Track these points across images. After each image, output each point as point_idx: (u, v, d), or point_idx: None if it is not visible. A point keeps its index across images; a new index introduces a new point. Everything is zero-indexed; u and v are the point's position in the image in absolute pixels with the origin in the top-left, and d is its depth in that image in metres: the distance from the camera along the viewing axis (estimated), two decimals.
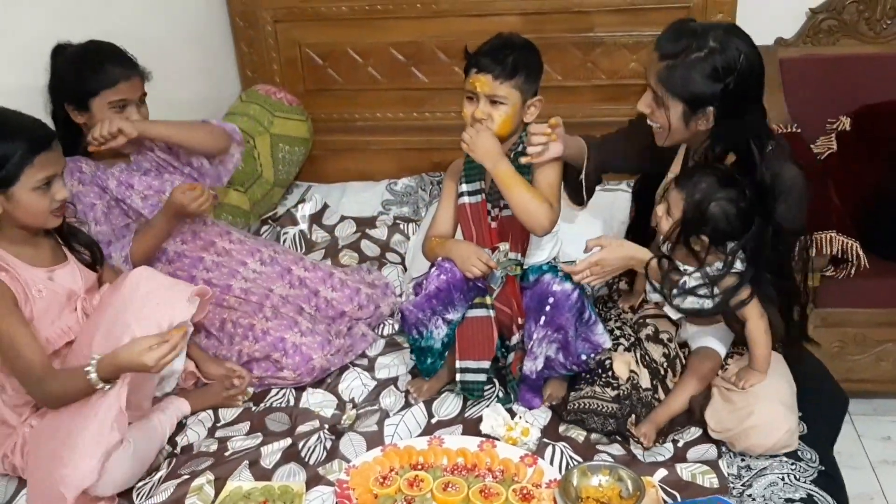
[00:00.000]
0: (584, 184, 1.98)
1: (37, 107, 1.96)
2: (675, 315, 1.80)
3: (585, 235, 1.85)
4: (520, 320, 1.88)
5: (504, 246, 1.90)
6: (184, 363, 1.90)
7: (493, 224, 1.91)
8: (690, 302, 1.71)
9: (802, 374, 1.82)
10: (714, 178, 1.69)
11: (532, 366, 1.85)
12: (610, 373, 1.80)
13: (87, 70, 1.94)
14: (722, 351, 1.82)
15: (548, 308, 1.81)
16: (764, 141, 1.70)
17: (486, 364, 1.89)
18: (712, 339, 1.82)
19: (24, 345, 1.63)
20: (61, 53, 2.00)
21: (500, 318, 1.91)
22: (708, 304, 1.69)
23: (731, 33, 1.67)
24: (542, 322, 1.82)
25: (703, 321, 1.81)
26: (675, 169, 1.87)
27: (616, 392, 1.77)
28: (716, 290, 1.69)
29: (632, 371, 1.80)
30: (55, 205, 1.67)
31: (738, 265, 1.69)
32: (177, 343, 1.60)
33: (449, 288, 1.85)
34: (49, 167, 1.64)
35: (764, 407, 1.66)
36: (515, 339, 1.90)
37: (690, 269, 1.71)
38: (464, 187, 1.94)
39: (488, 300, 1.90)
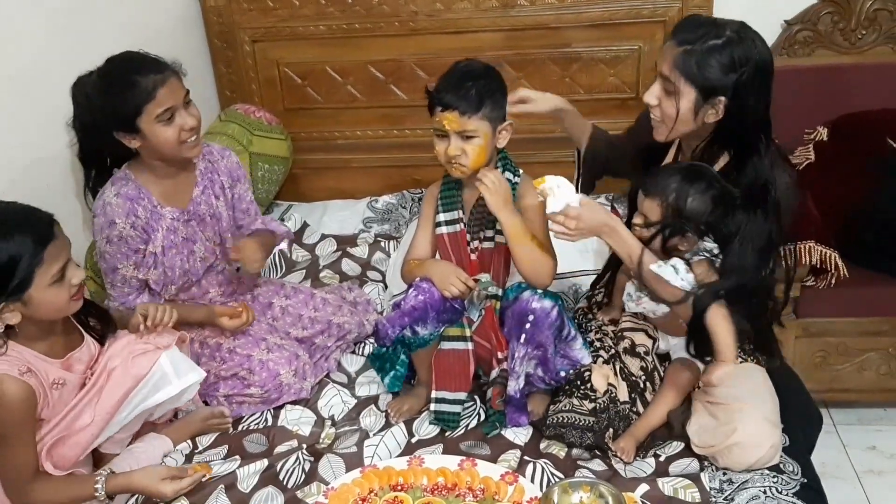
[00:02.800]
0: (579, 158, 2.03)
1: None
2: (657, 309, 1.79)
3: (569, 246, 1.84)
4: (500, 354, 1.86)
5: (485, 277, 1.89)
6: (183, 402, 1.88)
7: (473, 256, 1.90)
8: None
9: (781, 385, 1.82)
10: (679, 175, 1.70)
11: (515, 385, 1.83)
12: (588, 385, 1.80)
13: (118, 92, 1.80)
14: (700, 363, 1.81)
15: (527, 326, 1.79)
16: (767, 142, 1.71)
17: (463, 395, 1.87)
18: (689, 352, 1.81)
19: (19, 453, 1.59)
20: (83, 85, 1.86)
21: (479, 352, 1.89)
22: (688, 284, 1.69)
23: (746, 28, 1.68)
24: (522, 340, 1.80)
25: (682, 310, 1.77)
26: None
27: (593, 405, 1.77)
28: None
29: (610, 384, 1.80)
30: (73, 290, 1.59)
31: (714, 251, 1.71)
32: (197, 480, 1.69)
33: (425, 307, 1.84)
34: (60, 257, 1.55)
35: (748, 424, 1.65)
36: (494, 373, 1.87)
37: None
38: (441, 216, 1.92)
39: (468, 332, 1.88)
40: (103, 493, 1.63)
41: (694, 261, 1.72)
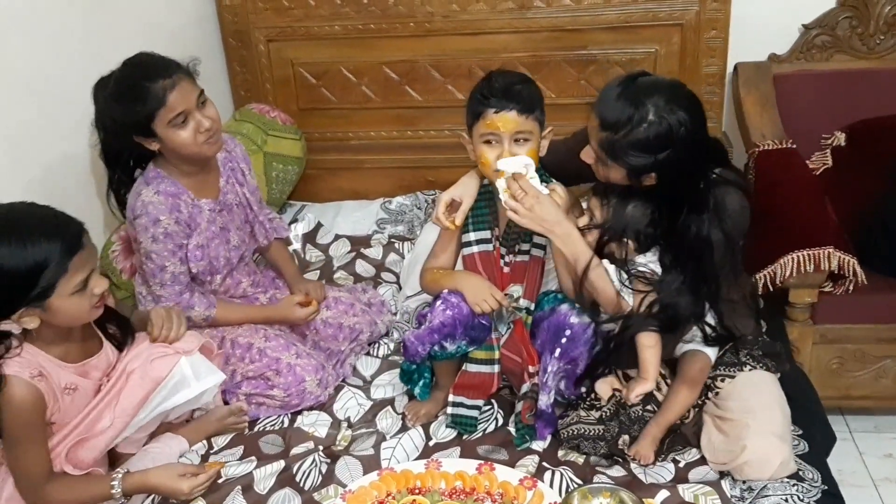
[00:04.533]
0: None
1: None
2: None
3: None
4: (531, 368, 1.82)
5: (516, 291, 1.86)
6: (202, 403, 1.87)
7: (507, 269, 1.87)
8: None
9: (796, 391, 1.81)
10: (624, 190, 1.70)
11: (547, 399, 1.79)
12: (592, 395, 1.79)
13: (131, 100, 1.81)
14: (711, 353, 1.78)
15: (564, 340, 1.76)
16: (703, 198, 1.67)
17: (481, 402, 1.86)
18: (698, 342, 1.78)
19: (30, 455, 1.58)
20: (102, 88, 1.87)
21: (508, 366, 1.86)
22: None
23: (672, 100, 1.60)
24: (556, 354, 1.77)
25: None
26: None
27: (599, 413, 1.76)
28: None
29: (615, 390, 1.79)
30: (94, 300, 1.57)
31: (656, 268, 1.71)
32: (213, 477, 1.69)
33: (454, 322, 1.80)
34: (85, 267, 1.53)
35: (756, 440, 1.65)
36: (525, 387, 1.83)
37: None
38: (471, 236, 1.87)
39: (496, 354, 1.85)
40: (119, 491, 1.62)
41: (634, 273, 1.71)
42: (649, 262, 1.72)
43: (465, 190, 1.87)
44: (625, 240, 1.71)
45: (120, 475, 1.63)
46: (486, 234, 1.86)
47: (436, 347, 1.83)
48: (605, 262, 1.73)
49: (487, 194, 1.88)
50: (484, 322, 1.84)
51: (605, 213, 1.72)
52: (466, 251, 1.88)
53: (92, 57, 1.93)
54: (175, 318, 1.78)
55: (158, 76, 1.81)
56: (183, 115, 1.83)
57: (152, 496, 1.70)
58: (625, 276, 1.72)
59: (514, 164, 1.74)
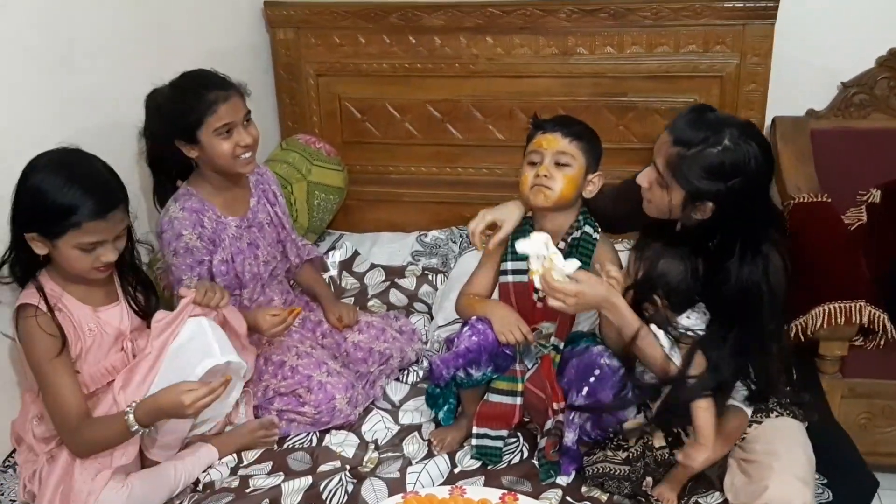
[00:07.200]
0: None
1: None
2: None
3: None
4: (555, 405, 1.83)
5: (548, 328, 1.88)
6: (228, 409, 1.92)
7: (540, 304, 1.89)
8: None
9: (826, 442, 1.81)
10: (665, 237, 1.71)
11: (572, 436, 1.80)
12: (620, 436, 1.79)
13: (185, 102, 1.93)
14: (749, 410, 1.80)
15: (592, 379, 1.77)
16: (756, 243, 1.67)
17: (504, 433, 1.87)
18: (739, 399, 1.80)
19: (65, 393, 1.65)
20: (156, 96, 2.01)
21: (531, 401, 1.87)
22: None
23: (747, 134, 1.63)
24: (584, 392, 1.78)
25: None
26: None
27: (626, 454, 1.76)
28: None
29: (644, 432, 1.79)
30: (98, 264, 1.67)
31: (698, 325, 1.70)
32: (215, 389, 1.65)
33: (479, 349, 1.84)
34: (98, 234, 1.64)
35: (778, 482, 1.64)
36: (549, 424, 1.84)
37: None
38: (509, 265, 1.92)
39: (519, 386, 1.87)
40: (132, 418, 1.62)
41: (682, 339, 1.71)
42: (695, 323, 1.72)
43: (507, 215, 1.91)
44: (657, 298, 1.70)
45: (133, 405, 1.64)
46: (523, 266, 1.89)
47: (461, 374, 1.86)
48: (654, 327, 1.71)
49: (528, 226, 1.91)
50: (508, 352, 1.87)
51: (636, 268, 1.72)
52: (503, 280, 1.93)
53: (148, 77, 2.05)
54: (218, 291, 1.85)
55: (214, 87, 1.94)
56: (228, 127, 1.94)
57: (198, 481, 1.78)
58: (671, 339, 1.70)
59: (533, 245, 1.70)
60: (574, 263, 1.69)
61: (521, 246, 1.73)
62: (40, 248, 1.65)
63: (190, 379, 1.68)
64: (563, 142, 1.80)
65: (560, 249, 1.85)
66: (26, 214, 1.65)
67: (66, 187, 1.60)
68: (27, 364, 1.69)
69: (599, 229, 1.91)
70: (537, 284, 1.70)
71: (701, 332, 1.70)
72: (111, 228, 1.66)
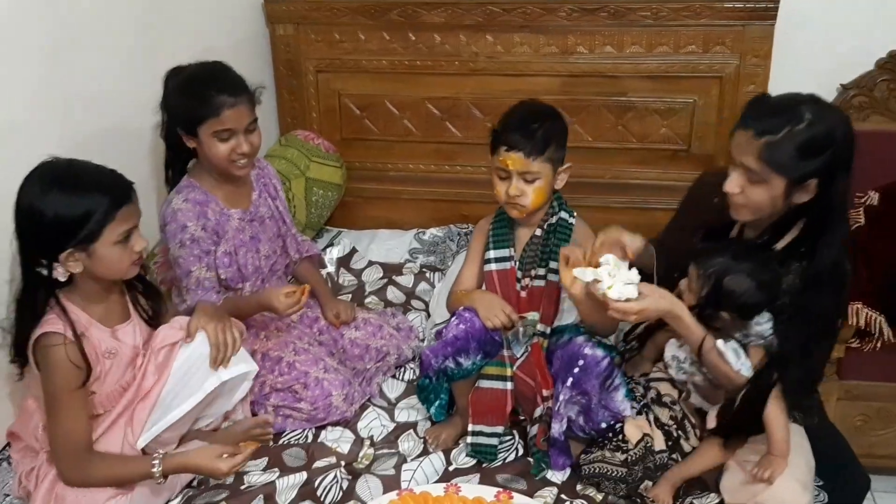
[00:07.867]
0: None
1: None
2: (697, 377, 1.79)
3: None
4: (545, 392, 1.85)
5: (532, 316, 1.90)
6: (230, 406, 1.92)
7: (523, 293, 1.92)
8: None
9: (823, 445, 1.80)
10: (729, 252, 1.68)
11: (559, 427, 1.82)
12: (620, 436, 1.79)
13: (192, 98, 1.93)
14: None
15: (576, 370, 1.78)
16: (844, 218, 1.68)
17: (500, 429, 1.88)
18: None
19: (76, 426, 1.64)
20: (174, 77, 2.02)
21: (521, 389, 1.88)
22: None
23: (819, 103, 1.64)
24: (568, 383, 1.79)
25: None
26: None
27: (625, 456, 1.76)
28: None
29: (646, 434, 1.79)
30: (134, 256, 1.67)
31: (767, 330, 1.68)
32: (249, 456, 1.68)
33: (467, 336, 1.86)
34: (130, 220, 1.64)
35: (777, 483, 1.64)
36: (539, 411, 1.86)
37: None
38: (491, 254, 1.95)
39: (508, 371, 1.88)
40: (160, 471, 1.64)
41: (751, 347, 1.70)
42: (765, 328, 1.69)
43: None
44: (722, 313, 1.68)
45: (161, 455, 1.66)
46: (505, 253, 1.94)
47: (451, 364, 1.87)
48: (720, 343, 1.67)
49: (504, 215, 1.96)
50: (496, 338, 1.88)
51: (700, 286, 1.69)
52: (486, 268, 1.96)
53: (146, 74, 2.05)
54: (230, 338, 1.79)
55: (225, 90, 1.93)
56: (228, 133, 1.94)
57: (195, 477, 1.76)
58: (747, 363, 1.67)
59: (601, 272, 1.65)
60: (635, 276, 1.65)
61: (580, 273, 1.68)
62: (76, 266, 1.61)
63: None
64: (526, 161, 1.82)
65: (538, 236, 1.90)
66: (51, 237, 1.58)
67: (80, 196, 1.58)
68: (40, 386, 1.66)
69: (575, 213, 1.94)
70: (613, 296, 1.64)
71: (770, 336, 1.69)
72: (136, 211, 1.67)
